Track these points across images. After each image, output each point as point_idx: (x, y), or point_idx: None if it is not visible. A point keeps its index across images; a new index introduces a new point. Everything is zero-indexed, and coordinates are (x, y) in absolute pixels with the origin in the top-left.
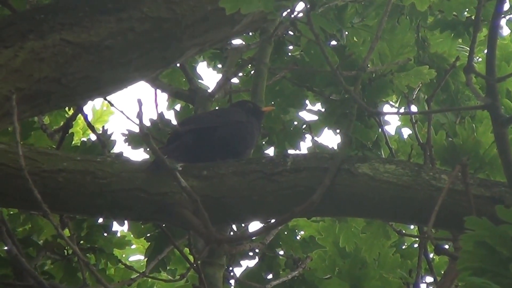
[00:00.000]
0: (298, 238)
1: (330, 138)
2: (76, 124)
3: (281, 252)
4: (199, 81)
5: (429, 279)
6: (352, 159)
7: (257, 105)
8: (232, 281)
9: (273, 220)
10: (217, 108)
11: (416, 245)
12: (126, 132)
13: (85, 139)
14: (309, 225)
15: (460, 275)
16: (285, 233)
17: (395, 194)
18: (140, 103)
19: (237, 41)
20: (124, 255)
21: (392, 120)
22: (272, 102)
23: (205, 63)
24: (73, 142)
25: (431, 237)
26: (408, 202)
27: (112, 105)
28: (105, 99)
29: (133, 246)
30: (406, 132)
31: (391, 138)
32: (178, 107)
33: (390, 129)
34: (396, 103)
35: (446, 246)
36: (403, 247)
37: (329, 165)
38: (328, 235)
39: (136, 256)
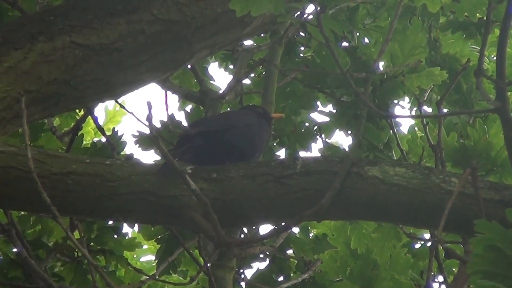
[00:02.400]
0: (310, 236)
1: (342, 139)
2: (87, 124)
3: (290, 251)
4: (211, 82)
5: (441, 278)
6: (362, 162)
7: (266, 111)
8: (242, 284)
9: (283, 223)
10: (228, 110)
11: (429, 244)
12: (137, 134)
13: (96, 139)
14: (322, 223)
15: (471, 278)
16: (296, 234)
17: (405, 197)
18: (149, 105)
19: (248, 42)
20: (135, 256)
21: (405, 119)
22: (283, 104)
23: (216, 63)
24: (84, 143)
25: (441, 240)
26: (418, 206)
27: (123, 107)
28: (117, 102)
29: (145, 247)
30: (418, 130)
31: (403, 138)
32: (189, 108)
33: (403, 128)
34: (408, 104)
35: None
36: (416, 246)
37: (339, 169)
38: (339, 235)
39: (147, 257)
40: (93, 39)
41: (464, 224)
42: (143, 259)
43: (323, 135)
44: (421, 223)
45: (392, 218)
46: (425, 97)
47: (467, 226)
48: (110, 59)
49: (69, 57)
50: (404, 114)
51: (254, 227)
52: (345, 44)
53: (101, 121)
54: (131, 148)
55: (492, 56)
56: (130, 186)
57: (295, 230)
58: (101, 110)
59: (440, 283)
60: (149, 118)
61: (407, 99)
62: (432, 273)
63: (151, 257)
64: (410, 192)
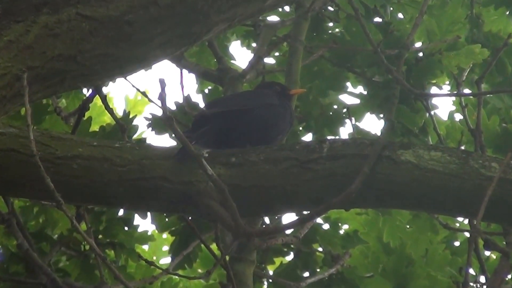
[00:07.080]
0: (341, 232)
1: (373, 124)
2: (104, 114)
3: (320, 249)
4: (232, 61)
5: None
6: (395, 146)
7: (285, 87)
8: (264, 279)
9: (308, 212)
10: (248, 90)
11: (467, 235)
12: (150, 116)
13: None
14: (353, 218)
15: None
16: (323, 227)
17: (441, 183)
18: (162, 83)
19: (271, 18)
20: (155, 257)
21: (445, 105)
22: (309, 85)
23: (238, 42)
24: (92, 127)
25: (479, 231)
26: (455, 193)
27: (143, 93)
28: (138, 89)
29: (165, 248)
30: (459, 118)
31: (441, 124)
32: (207, 90)
33: (443, 114)
34: (449, 85)
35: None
36: (455, 243)
37: (369, 152)
38: (371, 229)
39: (167, 259)
40: (101, 11)
41: (506, 213)
42: (162, 261)
43: (353, 119)
44: (459, 211)
45: (426, 207)
46: (464, 77)
47: (509, 215)
48: (119, 32)
49: (76, 31)
50: (440, 93)
51: (276, 216)
52: (377, 19)
53: (121, 111)
54: (145, 135)
55: None
56: (141, 171)
57: (324, 224)
58: (121, 99)
59: (481, 284)
60: (162, 97)
61: (445, 84)
62: (474, 273)
63: None
64: (447, 178)
